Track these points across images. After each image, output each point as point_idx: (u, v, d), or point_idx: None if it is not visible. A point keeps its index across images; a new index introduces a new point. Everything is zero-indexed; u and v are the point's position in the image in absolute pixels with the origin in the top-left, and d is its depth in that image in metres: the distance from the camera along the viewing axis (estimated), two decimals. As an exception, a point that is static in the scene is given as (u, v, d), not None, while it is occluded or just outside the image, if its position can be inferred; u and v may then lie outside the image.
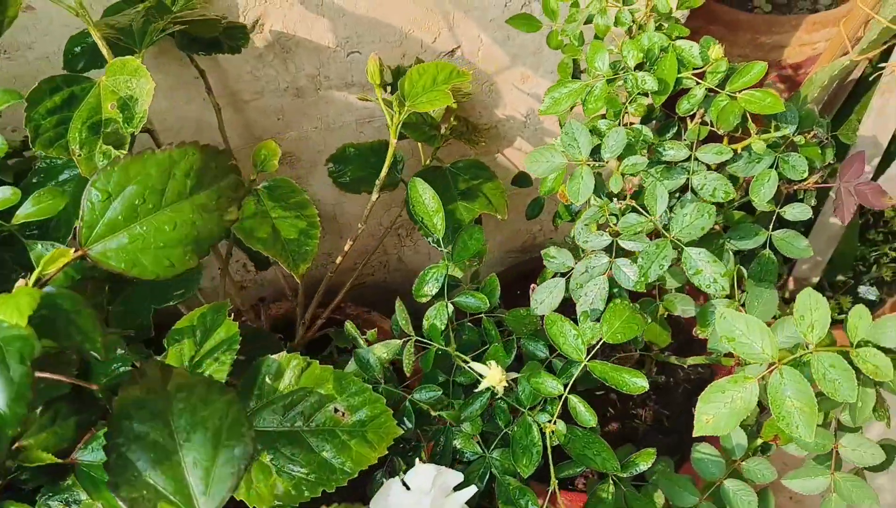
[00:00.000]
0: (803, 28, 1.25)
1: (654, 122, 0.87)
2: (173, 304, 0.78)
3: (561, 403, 0.70)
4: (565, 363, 0.73)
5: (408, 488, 0.61)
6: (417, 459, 0.67)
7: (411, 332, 0.73)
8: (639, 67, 0.81)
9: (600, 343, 0.69)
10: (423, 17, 0.98)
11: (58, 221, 0.70)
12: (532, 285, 0.84)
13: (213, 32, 0.85)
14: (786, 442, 0.73)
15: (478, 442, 0.73)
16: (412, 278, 0.81)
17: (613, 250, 0.75)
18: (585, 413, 0.67)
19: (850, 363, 0.60)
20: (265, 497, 0.62)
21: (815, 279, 1.23)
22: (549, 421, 0.70)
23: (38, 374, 0.45)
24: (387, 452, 0.65)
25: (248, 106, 1.04)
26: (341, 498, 0.57)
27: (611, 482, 0.74)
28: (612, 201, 0.76)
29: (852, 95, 1.05)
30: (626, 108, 0.78)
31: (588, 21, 0.83)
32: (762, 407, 0.67)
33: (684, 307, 0.83)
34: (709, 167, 0.79)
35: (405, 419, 0.71)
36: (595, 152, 0.77)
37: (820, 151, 0.79)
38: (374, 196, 0.87)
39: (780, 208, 0.81)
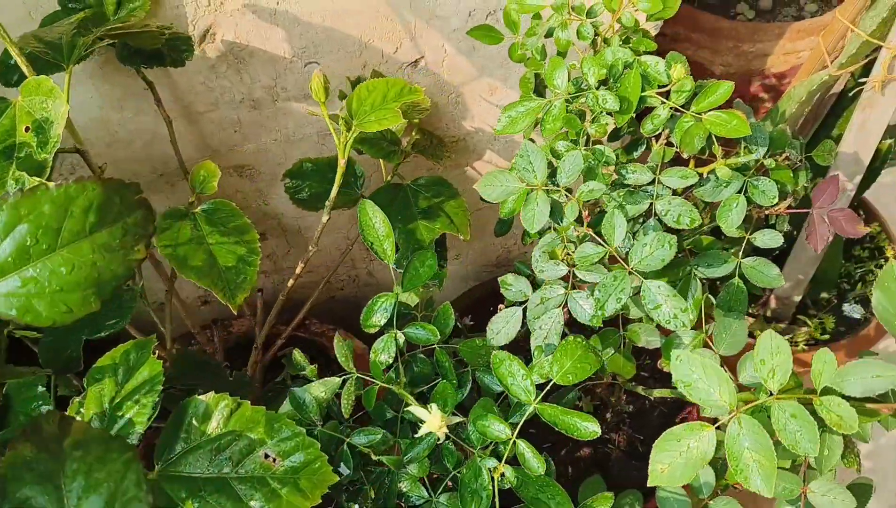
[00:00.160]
0: (787, 36, 1.20)
1: (623, 137, 0.83)
2: (106, 335, 0.73)
3: (511, 445, 0.66)
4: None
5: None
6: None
7: (352, 369, 0.69)
8: (603, 83, 0.76)
9: (550, 385, 0.65)
10: (383, 27, 0.93)
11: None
12: (500, 306, 0.79)
13: (154, 44, 0.80)
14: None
15: (424, 485, 0.69)
16: (384, 294, 0.76)
17: (570, 281, 0.71)
18: (533, 460, 0.63)
19: (815, 411, 0.56)
20: (186, 551, 0.57)
21: (798, 298, 1.18)
22: (501, 462, 0.66)
23: None
24: (320, 501, 0.61)
25: (202, 118, 1.00)
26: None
27: (568, 526, 0.70)
28: (570, 227, 0.72)
29: (834, 109, 1.00)
30: (587, 128, 0.74)
31: (549, 34, 0.79)
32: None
33: (649, 338, 0.79)
34: (675, 192, 0.74)
35: (343, 464, 0.66)
36: (553, 175, 0.72)
37: (792, 175, 0.75)
38: (325, 218, 0.83)
39: (751, 234, 0.76)
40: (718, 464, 0.78)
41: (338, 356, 0.68)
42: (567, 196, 0.70)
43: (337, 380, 0.68)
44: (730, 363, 0.80)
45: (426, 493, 0.69)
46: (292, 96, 0.99)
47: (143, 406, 0.61)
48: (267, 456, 0.62)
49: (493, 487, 0.65)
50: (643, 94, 0.73)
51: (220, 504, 0.60)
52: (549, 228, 0.78)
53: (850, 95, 0.94)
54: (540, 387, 0.67)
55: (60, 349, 0.72)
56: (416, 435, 0.65)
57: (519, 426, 0.64)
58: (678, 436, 0.59)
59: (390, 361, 0.72)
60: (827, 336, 1.19)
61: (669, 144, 0.75)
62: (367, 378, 0.70)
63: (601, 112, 0.73)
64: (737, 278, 0.76)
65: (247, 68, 0.95)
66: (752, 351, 0.70)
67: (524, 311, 0.74)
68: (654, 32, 0.97)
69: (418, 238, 0.91)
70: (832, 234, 0.75)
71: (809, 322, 1.20)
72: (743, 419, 0.57)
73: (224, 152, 1.05)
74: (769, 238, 0.75)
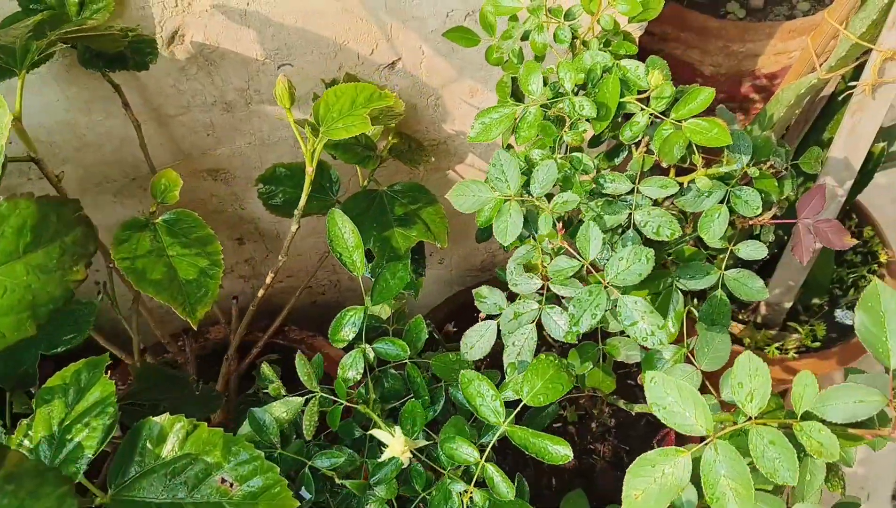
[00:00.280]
0: (778, 36, 1.17)
1: (606, 141, 0.80)
2: (62, 350, 0.71)
3: (481, 467, 0.63)
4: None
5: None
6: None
7: (315, 388, 0.66)
8: (582, 87, 0.73)
9: (520, 406, 0.62)
10: (358, 28, 0.90)
11: None
12: (482, 314, 0.76)
13: (116, 47, 0.77)
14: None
15: (392, 507, 0.66)
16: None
17: (545, 295, 0.68)
18: (502, 485, 0.60)
19: (794, 437, 0.53)
20: (135, 583, 0.55)
21: (788, 304, 1.15)
22: (469, 488, 0.63)
23: None
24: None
25: (173, 121, 0.97)
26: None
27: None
28: (545, 239, 0.69)
29: (824, 112, 0.97)
30: (564, 135, 0.71)
31: (526, 38, 0.76)
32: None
33: (629, 352, 0.76)
34: (655, 201, 0.72)
35: (305, 488, 0.64)
36: (528, 185, 0.69)
37: (777, 184, 0.72)
38: (294, 227, 0.80)
39: (735, 245, 0.73)
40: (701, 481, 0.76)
41: (300, 374, 0.65)
42: (542, 207, 0.67)
43: (299, 400, 0.65)
44: (713, 379, 0.77)
45: (394, 516, 0.66)
46: (266, 99, 0.96)
47: (94, 430, 0.58)
48: (224, 481, 0.60)
49: (464, 510, 0.63)
50: (622, 99, 0.70)
51: (174, 532, 0.58)
52: (529, 236, 0.75)
53: (840, 98, 0.91)
54: (513, 404, 0.64)
55: (15, 365, 0.69)
56: (379, 459, 0.62)
57: (489, 449, 0.61)
58: (653, 461, 0.56)
59: (358, 377, 0.69)
60: (818, 344, 1.16)
61: (650, 151, 0.72)
62: (334, 398, 0.68)
63: (578, 119, 0.70)
64: (720, 290, 0.73)
65: (218, 70, 0.92)
66: (729, 371, 0.67)
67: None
68: (638, 33, 0.94)
69: (394, 246, 0.88)
70: (818, 246, 0.73)
71: (800, 329, 1.17)
72: (720, 444, 0.54)
73: (197, 156, 1.02)
74: (753, 250, 0.72)
